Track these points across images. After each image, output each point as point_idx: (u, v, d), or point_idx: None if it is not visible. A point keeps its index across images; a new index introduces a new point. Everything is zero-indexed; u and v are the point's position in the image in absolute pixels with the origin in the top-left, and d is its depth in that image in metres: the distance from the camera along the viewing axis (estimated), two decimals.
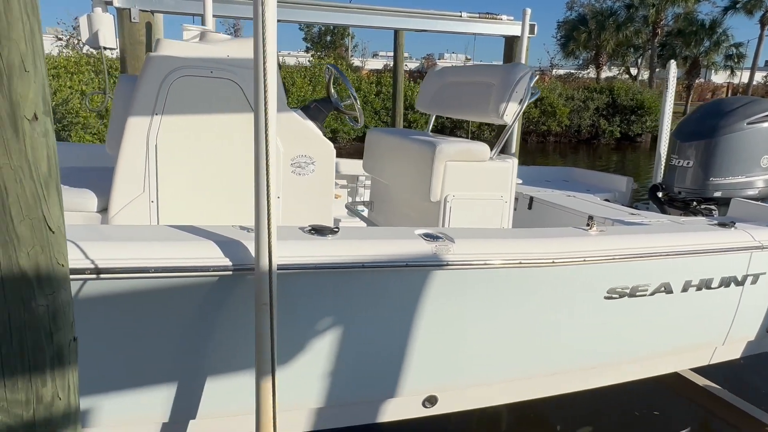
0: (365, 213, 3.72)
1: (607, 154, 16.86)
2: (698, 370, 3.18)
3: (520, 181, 3.76)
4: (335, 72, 2.87)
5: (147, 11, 4.43)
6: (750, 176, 3.21)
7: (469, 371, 2.19)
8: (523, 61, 3.99)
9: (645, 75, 30.53)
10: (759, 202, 2.91)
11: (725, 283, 2.49)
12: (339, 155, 2.56)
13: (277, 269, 1.57)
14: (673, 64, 3.90)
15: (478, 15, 5.19)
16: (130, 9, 4.36)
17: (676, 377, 3.17)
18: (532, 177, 4.14)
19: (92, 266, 1.46)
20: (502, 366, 2.23)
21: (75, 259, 1.42)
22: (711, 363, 2.85)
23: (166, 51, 2.24)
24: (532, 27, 4.84)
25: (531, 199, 3.53)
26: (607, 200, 3.67)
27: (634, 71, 32.05)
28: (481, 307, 2.03)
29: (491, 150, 2.80)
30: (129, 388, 1.77)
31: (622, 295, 2.24)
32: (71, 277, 1.08)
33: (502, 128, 3.56)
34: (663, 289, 2.32)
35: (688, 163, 3.31)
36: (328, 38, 29.57)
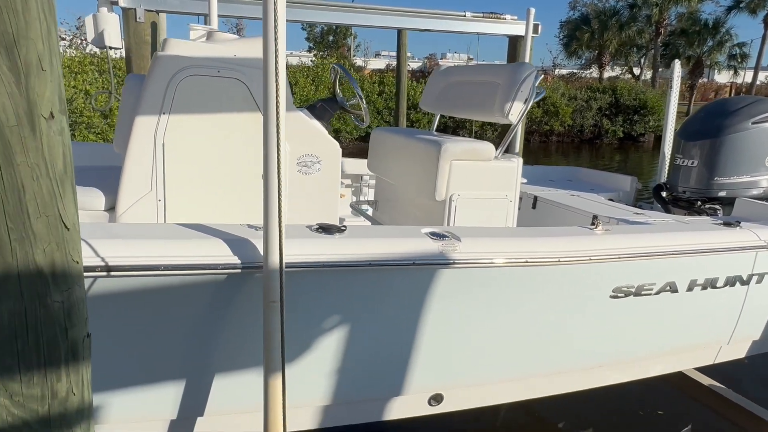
0: (370, 212, 3.73)
1: (610, 154, 16.84)
2: (703, 370, 3.18)
3: (525, 181, 3.76)
4: (341, 71, 2.88)
5: (152, 11, 4.45)
6: (755, 176, 3.21)
7: (474, 369, 2.20)
8: (527, 60, 4.00)
9: (648, 75, 30.48)
10: (764, 202, 2.91)
11: (730, 282, 2.49)
12: (343, 155, 2.57)
13: (285, 267, 1.58)
14: (677, 63, 3.90)
15: (482, 14, 5.20)
16: (135, 9, 4.39)
17: (680, 376, 3.17)
18: (535, 176, 4.15)
19: (103, 264, 1.47)
20: (508, 364, 2.24)
21: (86, 257, 1.43)
22: (716, 362, 2.85)
23: (173, 50, 2.25)
24: (535, 27, 4.85)
25: (535, 198, 3.54)
26: (611, 200, 3.68)
27: (637, 71, 31.98)
28: (487, 305, 2.04)
29: (496, 149, 2.81)
30: (137, 386, 1.78)
31: (627, 294, 2.25)
32: None
33: (504, 128, 3.56)
34: (668, 288, 2.32)
35: (692, 162, 3.31)
36: (331, 38, 29.60)
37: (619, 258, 2.13)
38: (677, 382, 3.17)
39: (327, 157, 2.43)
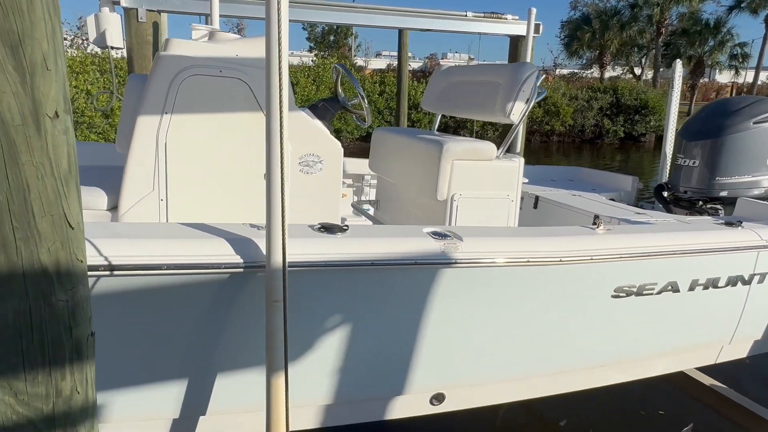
0: (371, 212, 3.73)
1: (611, 154, 16.83)
2: (704, 370, 3.18)
3: (526, 180, 3.77)
4: (342, 71, 2.88)
5: (154, 11, 4.46)
6: (756, 176, 3.21)
7: (476, 369, 2.20)
8: (528, 60, 4.00)
9: (649, 75, 30.46)
10: (765, 202, 2.91)
11: (732, 282, 2.49)
12: (344, 155, 2.58)
13: (288, 267, 1.58)
14: (678, 63, 3.90)
15: (483, 14, 5.21)
16: (137, 9, 4.39)
17: (682, 376, 3.17)
18: (537, 176, 4.15)
19: (106, 263, 1.48)
20: (510, 364, 2.24)
21: (89, 256, 1.43)
22: (717, 362, 2.85)
23: (175, 50, 2.26)
24: (537, 26, 4.86)
25: (536, 198, 3.54)
26: (612, 199, 3.68)
27: (638, 71, 31.97)
28: (489, 305, 2.04)
29: (497, 149, 2.81)
30: (140, 385, 1.79)
31: (629, 294, 2.25)
32: None
33: (506, 128, 3.57)
34: (670, 288, 2.32)
35: (694, 162, 3.31)
36: (332, 38, 29.60)
37: (621, 258, 2.13)
38: (679, 381, 3.17)
39: (329, 157, 2.43)
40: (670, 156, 3.67)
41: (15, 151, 0.90)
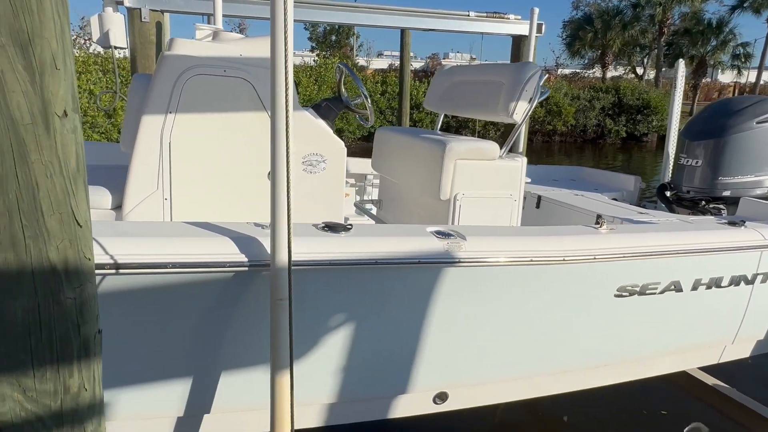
0: (374, 211, 3.74)
1: (613, 154, 16.81)
2: (707, 369, 3.18)
3: (528, 180, 3.77)
4: (346, 71, 2.89)
5: (157, 11, 4.47)
6: (759, 175, 3.20)
7: (479, 368, 2.20)
8: (530, 60, 4.00)
9: (651, 74, 30.41)
10: None
11: (735, 281, 2.49)
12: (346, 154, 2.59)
13: (292, 265, 1.59)
14: (681, 63, 3.90)
15: (485, 14, 5.21)
16: (140, 9, 4.41)
17: (684, 376, 3.17)
18: (539, 176, 4.15)
19: (112, 261, 1.48)
20: (513, 363, 2.25)
21: (95, 255, 1.44)
22: (720, 362, 2.86)
23: (180, 50, 2.27)
24: (539, 26, 4.86)
25: (539, 198, 3.54)
26: (615, 199, 3.68)
27: (640, 71, 31.91)
28: (492, 304, 2.04)
29: (500, 149, 2.81)
30: (145, 383, 1.80)
31: (632, 294, 2.25)
32: None
33: (508, 127, 3.57)
34: (673, 287, 2.33)
35: (696, 162, 3.31)
36: (333, 38, 29.60)
37: (624, 257, 2.13)
38: (681, 381, 3.17)
39: (332, 157, 2.44)
40: (673, 156, 3.67)
41: (24, 149, 0.91)
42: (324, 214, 2.37)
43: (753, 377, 3.33)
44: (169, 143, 2.22)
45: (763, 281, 2.58)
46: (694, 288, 2.39)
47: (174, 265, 1.55)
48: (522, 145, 3.81)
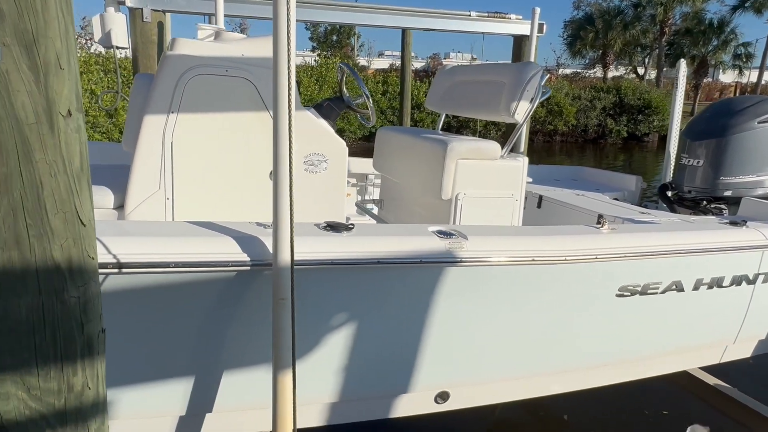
0: (375, 211, 3.74)
1: (614, 154, 16.80)
2: (708, 369, 3.18)
3: (530, 180, 3.77)
4: (347, 71, 2.89)
5: (159, 11, 4.47)
6: (761, 175, 3.20)
7: (481, 367, 2.21)
8: (532, 59, 4.00)
9: (652, 74, 30.39)
10: None
11: (736, 281, 2.49)
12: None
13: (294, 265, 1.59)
14: (683, 63, 3.90)
15: (486, 14, 5.21)
16: (142, 9, 4.41)
17: (686, 376, 3.17)
18: (540, 176, 4.15)
19: (114, 261, 1.49)
20: (514, 363, 2.25)
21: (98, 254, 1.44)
22: (721, 362, 2.85)
23: (182, 50, 2.27)
24: (540, 26, 4.85)
25: (540, 197, 3.54)
26: (616, 199, 3.68)
27: (641, 71, 31.89)
28: (494, 303, 2.05)
29: (502, 148, 2.81)
30: (146, 382, 1.80)
31: (633, 293, 2.25)
32: None
33: (509, 127, 3.57)
34: (674, 287, 2.33)
35: (698, 162, 3.31)
36: (334, 38, 29.60)
37: (625, 257, 2.13)
38: (682, 381, 3.17)
39: (334, 156, 2.44)
40: (674, 156, 3.67)
41: (29, 149, 0.91)
42: (325, 213, 2.37)
43: (754, 377, 3.33)
44: (171, 143, 2.23)
45: (764, 281, 2.58)
46: (696, 288, 2.39)
47: (176, 265, 1.56)
48: (523, 145, 3.82)
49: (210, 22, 4.14)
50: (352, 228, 1.83)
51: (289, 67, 1.45)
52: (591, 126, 18.67)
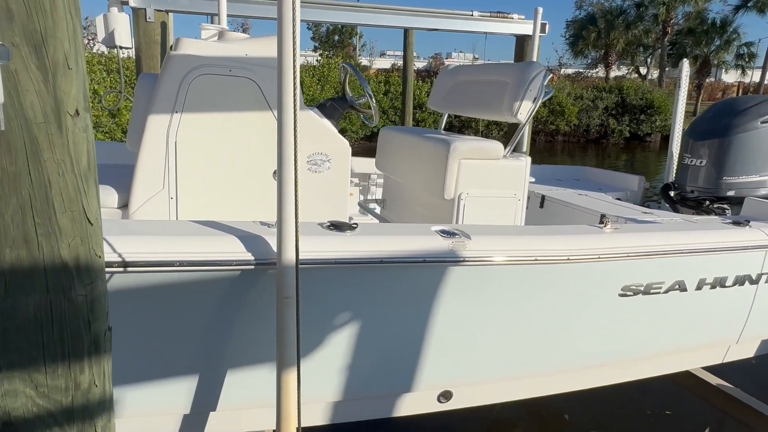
0: (377, 211, 3.74)
1: (616, 154, 16.78)
2: (711, 369, 3.18)
3: (532, 180, 3.77)
4: (350, 71, 2.90)
5: (162, 11, 4.49)
6: (763, 175, 3.20)
7: (484, 367, 2.21)
8: (534, 59, 4.00)
9: (655, 74, 30.32)
10: None
11: (739, 281, 2.49)
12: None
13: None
14: (685, 62, 3.89)
15: (489, 14, 5.21)
16: (145, 9, 4.42)
17: (688, 376, 3.17)
18: (543, 176, 4.15)
19: (119, 260, 1.50)
20: (517, 362, 2.25)
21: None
22: (724, 362, 2.85)
23: (186, 50, 2.28)
24: (543, 26, 4.85)
25: (543, 197, 3.55)
26: (618, 199, 3.68)
27: (643, 70, 31.84)
28: (497, 303, 2.05)
29: (504, 148, 2.82)
30: (151, 380, 1.81)
31: (636, 293, 2.25)
32: None
33: (511, 127, 3.56)
34: (677, 287, 2.33)
35: (701, 162, 3.30)
36: (336, 37, 29.61)
37: (628, 257, 2.14)
38: (685, 381, 3.17)
39: (337, 156, 2.45)
40: (677, 155, 3.67)
41: (37, 148, 0.92)
42: (328, 213, 2.38)
43: (757, 377, 3.33)
44: (175, 142, 2.24)
45: (767, 281, 2.58)
46: (699, 288, 2.39)
47: (181, 264, 1.56)
48: (526, 145, 3.82)
49: (213, 22, 4.15)
50: (356, 227, 1.84)
51: (294, 68, 1.46)
52: (593, 126, 18.64)
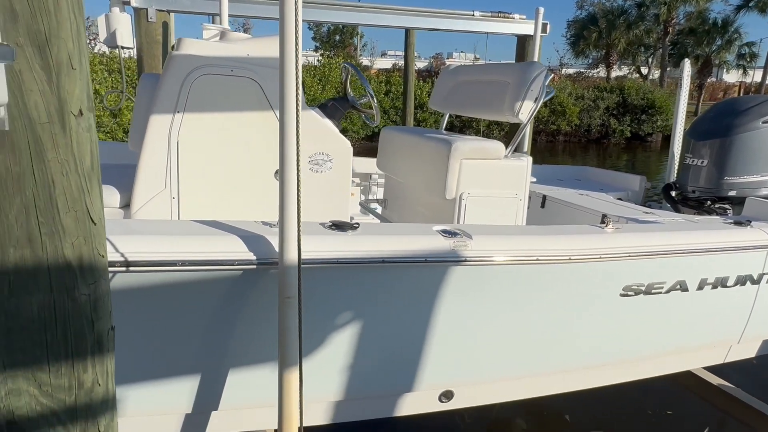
0: (379, 211, 3.75)
1: (617, 154, 16.77)
2: (712, 369, 3.18)
3: (534, 180, 3.77)
4: (352, 71, 2.90)
5: (164, 11, 4.49)
6: (765, 175, 3.20)
7: (485, 366, 2.21)
8: (536, 59, 4.01)
9: (656, 74, 30.31)
10: None
11: (741, 281, 2.49)
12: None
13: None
14: (687, 62, 3.89)
15: (490, 14, 5.22)
16: (147, 9, 4.43)
17: (689, 376, 3.17)
18: (544, 176, 4.15)
19: (122, 259, 1.50)
20: (518, 362, 2.25)
21: None
22: (726, 362, 2.85)
23: (187, 50, 2.28)
24: (544, 26, 4.85)
25: (544, 197, 3.55)
26: (620, 199, 3.68)
27: (644, 70, 31.81)
28: (498, 302, 2.05)
29: (506, 148, 2.82)
30: (153, 379, 1.81)
31: (637, 293, 2.25)
32: None
33: (513, 127, 3.57)
34: (678, 287, 2.33)
35: (702, 162, 3.30)
36: (337, 37, 29.61)
37: (629, 257, 2.14)
38: (686, 381, 3.17)
39: (338, 156, 2.45)
40: (678, 155, 3.67)
41: (41, 148, 0.92)
42: (330, 213, 2.38)
43: (759, 377, 3.33)
44: (177, 142, 2.24)
45: None
46: (700, 288, 2.39)
47: (183, 263, 1.57)
48: (527, 145, 3.82)
49: (214, 22, 4.16)
50: (357, 227, 1.84)
51: (296, 68, 1.46)
52: (594, 126, 18.63)
